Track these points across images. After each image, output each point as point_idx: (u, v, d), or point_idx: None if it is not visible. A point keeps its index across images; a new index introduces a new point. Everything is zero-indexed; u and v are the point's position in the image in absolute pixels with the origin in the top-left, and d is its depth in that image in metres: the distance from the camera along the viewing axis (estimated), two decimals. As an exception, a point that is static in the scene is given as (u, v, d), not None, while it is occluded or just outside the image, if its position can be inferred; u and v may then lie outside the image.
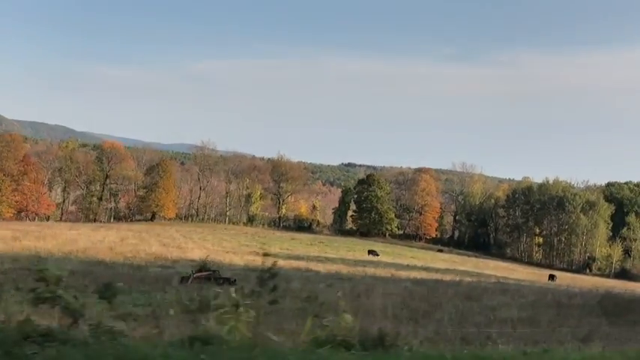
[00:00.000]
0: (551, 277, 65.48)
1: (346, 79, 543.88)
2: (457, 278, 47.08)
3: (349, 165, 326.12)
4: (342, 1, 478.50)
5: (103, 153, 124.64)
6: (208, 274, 30.04)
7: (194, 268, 31.18)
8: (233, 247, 61.95)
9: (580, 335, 17.87)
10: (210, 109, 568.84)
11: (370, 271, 44.90)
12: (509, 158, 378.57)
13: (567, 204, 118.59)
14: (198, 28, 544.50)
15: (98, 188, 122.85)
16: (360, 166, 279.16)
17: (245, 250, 58.98)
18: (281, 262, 50.18)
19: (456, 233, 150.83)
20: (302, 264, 47.78)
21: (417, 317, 20.42)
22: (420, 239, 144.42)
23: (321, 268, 46.77)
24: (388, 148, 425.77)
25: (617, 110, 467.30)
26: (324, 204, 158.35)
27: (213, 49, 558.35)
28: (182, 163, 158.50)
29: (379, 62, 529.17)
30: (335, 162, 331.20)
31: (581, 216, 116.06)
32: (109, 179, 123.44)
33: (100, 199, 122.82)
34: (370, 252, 74.80)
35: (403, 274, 45.99)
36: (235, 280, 30.13)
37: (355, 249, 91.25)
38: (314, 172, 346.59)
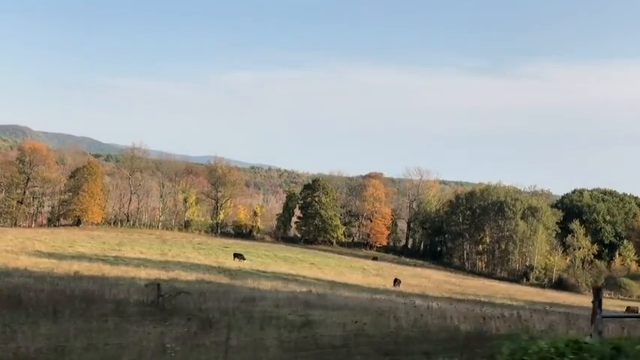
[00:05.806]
0: (396, 281, 59.51)
1: (368, 92, 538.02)
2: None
3: (366, 177, 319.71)
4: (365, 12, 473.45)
5: (24, 154, 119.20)
6: None
7: None
8: (41, 249, 55.97)
9: None
10: (237, 121, 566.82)
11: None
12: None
13: (507, 209, 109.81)
14: (226, 41, 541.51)
15: (19, 191, 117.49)
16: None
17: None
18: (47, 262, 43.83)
19: (410, 241, 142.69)
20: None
21: None
22: (371, 247, 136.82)
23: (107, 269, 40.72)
24: (407, 159, 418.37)
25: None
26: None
27: (241, 62, 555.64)
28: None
29: (403, 75, 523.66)
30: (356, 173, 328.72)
31: (520, 222, 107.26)
32: (31, 182, 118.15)
33: (21, 202, 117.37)
34: (236, 256, 68.41)
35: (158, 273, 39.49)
36: None
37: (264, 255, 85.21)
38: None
